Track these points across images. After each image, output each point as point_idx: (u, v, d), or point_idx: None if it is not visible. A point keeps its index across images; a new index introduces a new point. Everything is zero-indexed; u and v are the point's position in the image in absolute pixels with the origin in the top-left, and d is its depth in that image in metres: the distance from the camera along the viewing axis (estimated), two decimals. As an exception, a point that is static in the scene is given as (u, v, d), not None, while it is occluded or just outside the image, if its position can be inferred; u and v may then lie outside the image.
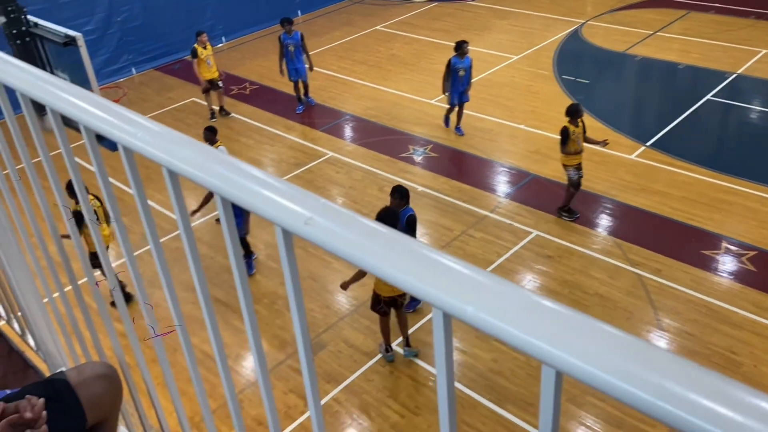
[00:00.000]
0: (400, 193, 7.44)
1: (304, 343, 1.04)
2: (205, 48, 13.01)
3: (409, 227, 7.39)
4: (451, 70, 11.73)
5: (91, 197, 11.48)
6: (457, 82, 11.79)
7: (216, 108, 13.85)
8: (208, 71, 13.12)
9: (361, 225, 0.84)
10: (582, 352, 0.65)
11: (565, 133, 9.35)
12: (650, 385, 0.61)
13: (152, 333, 1.77)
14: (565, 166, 9.68)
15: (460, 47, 11.57)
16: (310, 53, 13.68)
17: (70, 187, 2.52)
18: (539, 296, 0.71)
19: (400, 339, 7.84)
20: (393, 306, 7.30)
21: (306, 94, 14.06)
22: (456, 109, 12.30)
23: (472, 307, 0.70)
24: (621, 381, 0.62)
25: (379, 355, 7.79)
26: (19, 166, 2.05)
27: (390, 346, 7.69)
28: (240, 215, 8.44)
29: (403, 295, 7.18)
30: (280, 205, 0.88)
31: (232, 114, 13.95)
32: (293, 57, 13.16)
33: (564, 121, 9.43)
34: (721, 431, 0.56)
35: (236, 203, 0.95)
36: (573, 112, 9.34)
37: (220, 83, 13.49)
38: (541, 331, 0.67)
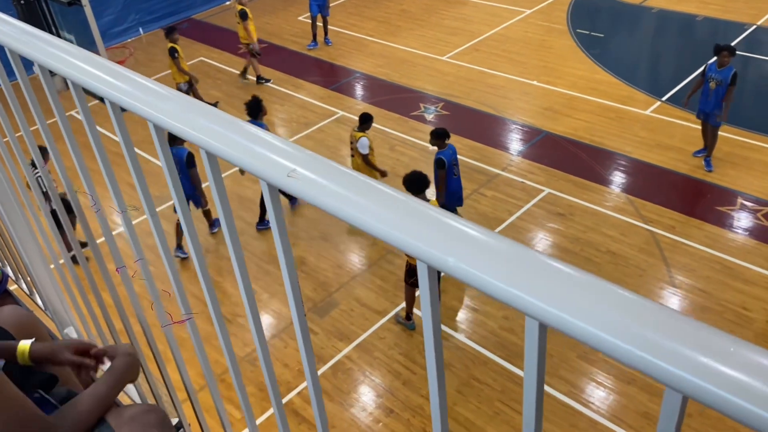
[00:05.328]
0: (436, 135, 8.12)
1: (295, 298, 1.03)
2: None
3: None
4: (703, 78, 9.26)
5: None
6: (705, 95, 9.25)
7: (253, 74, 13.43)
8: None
9: (345, 176, 0.81)
10: (565, 304, 0.62)
11: None
12: (633, 336, 0.58)
13: (169, 320, 1.77)
14: None
15: (719, 52, 8.94)
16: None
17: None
18: (524, 247, 0.68)
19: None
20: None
21: (325, 33, 14.54)
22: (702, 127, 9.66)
23: (453, 258, 0.68)
24: (604, 332, 0.60)
25: (391, 313, 7.84)
26: (33, 128, 2.03)
27: (411, 314, 7.67)
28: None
29: None
30: (262, 156, 0.86)
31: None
32: None
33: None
34: (704, 381, 0.54)
35: (221, 157, 0.93)
36: None
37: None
38: (524, 282, 0.65)
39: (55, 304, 2.45)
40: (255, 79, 13.38)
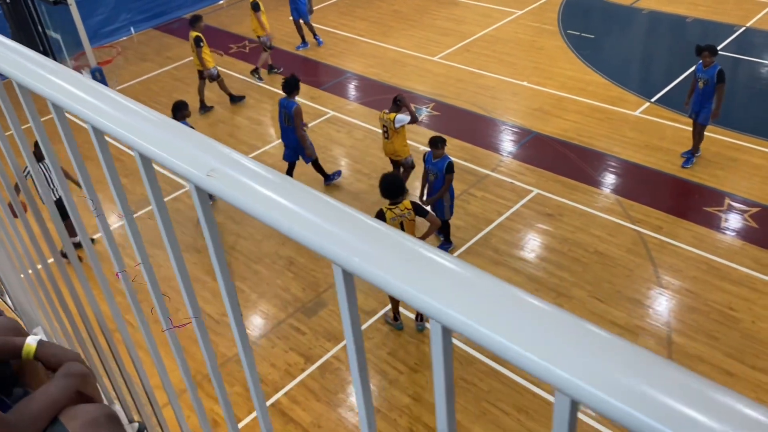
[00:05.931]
0: (443, 142, 8.22)
1: (231, 302, 1.02)
2: None
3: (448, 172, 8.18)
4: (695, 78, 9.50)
5: None
6: (695, 94, 9.47)
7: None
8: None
9: (265, 177, 0.80)
10: (467, 308, 0.62)
11: None
12: (528, 340, 0.58)
13: (168, 324, 1.74)
14: None
15: (700, 53, 9.31)
16: (315, 9, 13.76)
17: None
18: (433, 249, 0.67)
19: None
20: None
21: (314, 35, 14.50)
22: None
23: (359, 257, 0.67)
24: (502, 336, 0.59)
25: (380, 314, 7.83)
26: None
27: (398, 315, 7.67)
28: None
29: None
30: (181, 154, 0.84)
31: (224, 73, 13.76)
32: None
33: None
34: (592, 386, 0.53)
35: (145, 155, 0.91)
36: None
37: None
38: (428, 284, 0.64)
39: (23, 305, 2.44)
40: (263, 70, 13.41)
